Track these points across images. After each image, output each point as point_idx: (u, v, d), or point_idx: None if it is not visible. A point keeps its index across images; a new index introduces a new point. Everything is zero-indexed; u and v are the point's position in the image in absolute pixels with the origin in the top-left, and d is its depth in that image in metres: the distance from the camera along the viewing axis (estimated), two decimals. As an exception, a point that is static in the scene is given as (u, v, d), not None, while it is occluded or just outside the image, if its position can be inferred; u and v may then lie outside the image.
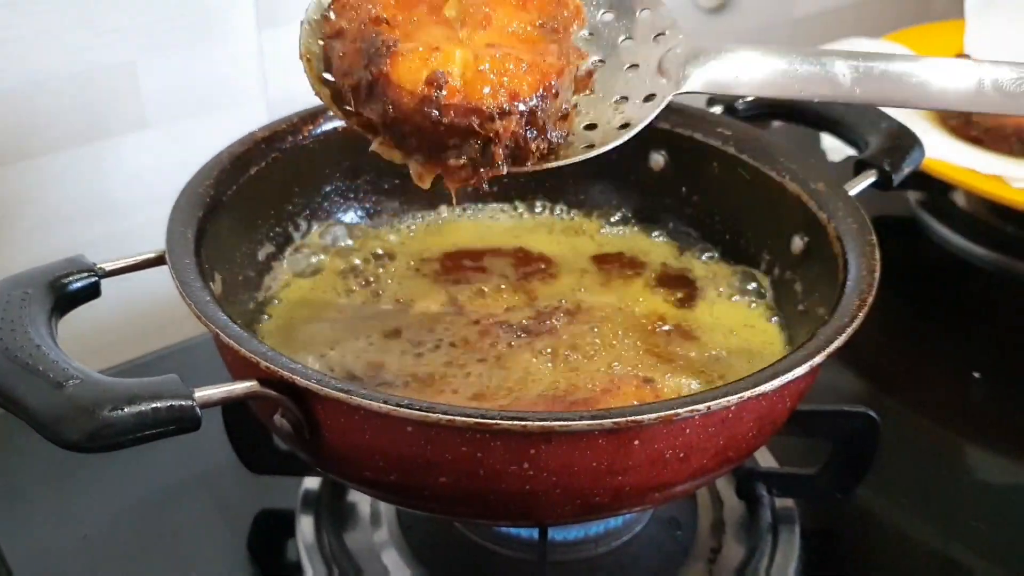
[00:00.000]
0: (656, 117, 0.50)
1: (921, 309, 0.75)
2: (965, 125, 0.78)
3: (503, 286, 0.55)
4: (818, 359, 0.39)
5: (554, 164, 0.42)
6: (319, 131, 0.56)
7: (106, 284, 0.45)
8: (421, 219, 0.61)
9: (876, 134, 0.55)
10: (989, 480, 0.61)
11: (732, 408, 0.38)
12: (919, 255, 0.80)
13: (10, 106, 0.66)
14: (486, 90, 0.39)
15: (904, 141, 0.55)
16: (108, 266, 0.45)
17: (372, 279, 0.56)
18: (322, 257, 0.57)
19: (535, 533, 0.50)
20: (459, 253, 0.57)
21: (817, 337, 0.40)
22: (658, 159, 0.58)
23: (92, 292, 0.44)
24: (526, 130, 0.40)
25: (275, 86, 0.77)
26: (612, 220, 0.61)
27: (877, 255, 0.45)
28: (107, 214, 0.72)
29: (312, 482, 0.56)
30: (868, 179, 0.53)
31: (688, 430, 0.38)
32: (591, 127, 0.43)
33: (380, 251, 0.58)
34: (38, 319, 0.39)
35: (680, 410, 0.36)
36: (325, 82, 0.44)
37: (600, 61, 0.45)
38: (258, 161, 0.53)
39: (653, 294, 0.55)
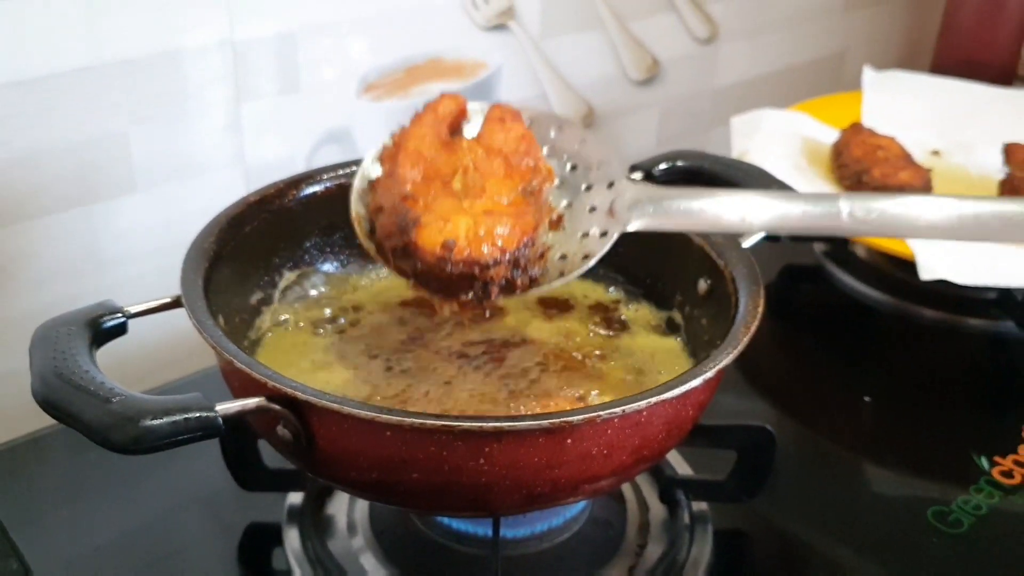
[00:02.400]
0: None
1: (822, 344, 0.85)
2: (857, 185, 0.88)
3: (460, 324, 0.64)
4: (709, 373, 0.49)
5: (535, 291, 0.55)
6: (301, 195, 0.65)
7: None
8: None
9: (768, 194, 0.66)
10: (876, 490, 0.70)
11: (643, 412, 0.47)
12: (823, 298, 0.91)
13: (12, 173, 0.73)
14: (484, 248, 0.53)
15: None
16: (133, 308, 0.54)
17: (345, 320, 0.65)
18: (303, 302, 0.66)
19: (489, 531, 0.59)
20: (422, 300, 0.67)
21: (711, 358, 0.51)
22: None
23: (121, 330, 0.53)
24: (513, 272, 0.54)
25: (251, 153, 0.85)
26: (552, 268, 0.71)
27: (761, 293, 0.55)
28: (98, 269, 0.80)
29: (296, 497, 0.65)
30: (760, 233, 0.63)
31: (609, 431, 0.48)
32: (563, 258, 0.56)
33: (352, 296, 0.67)
34: (82, 350, 0.48)
35: (601, 412, 0.46)
36: (369, 236, 0.58)
37: (568, 205, 0.58)
38: (251, 221, 0.62)
39: (588, 330, 0.65)
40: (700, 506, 0.65)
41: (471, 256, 0.53)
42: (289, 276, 0.66)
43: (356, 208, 0.58)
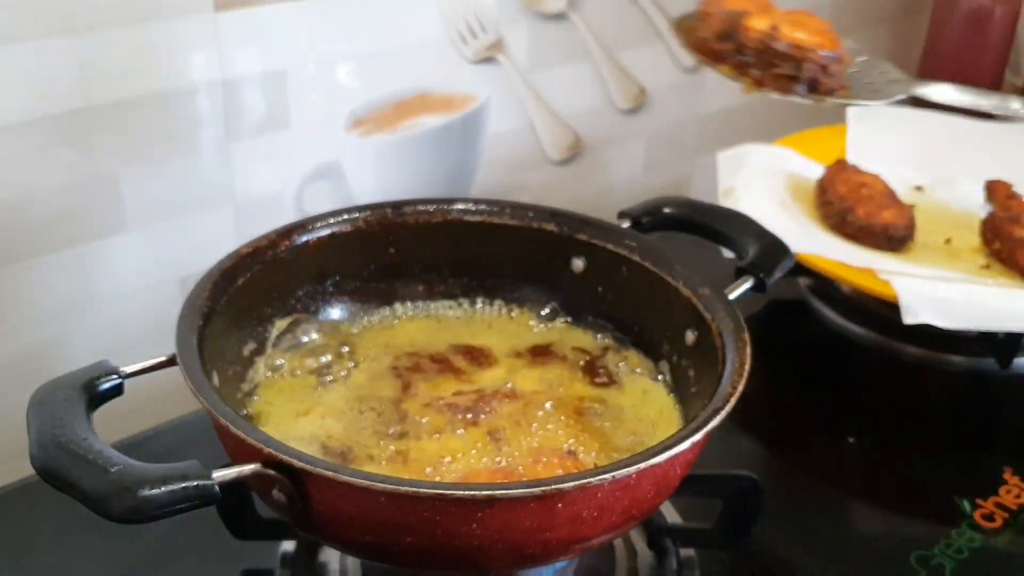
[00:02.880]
0: (575, 230, 0.63)
1: (806, 380, 0.86)
2: (842, 223, 0.89)
3: (451, 376, 0.65)
4: (697, 436, 0.50)
5: (833, 100, 0.70)
6: (294, 244, 0.66)
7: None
8: (379, 314, 0.71)
9: (754, 245, 0.67)
10: (860, 533, 0.71)
11: (632, 477, 0.48)
12: (807, 333, 0.92)
13: (4, 216, 0.73)
14: (801, 34, 0.69)
15: (776, 251, 0.66)
16: (128, 369, 0.54)
17: (338, 369, 0.66)
18: (295, 350, 0.67)
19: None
20: (415, 352, 0.67)
21: (697, 419, 0.52)
22: (578, 263, 0.70)
23: (117, 391, 0.53)
24: (821, 71, 0.68)
25: (241, 190, 0.86)
26: (543, 314, 0.71)
27: (748, 350, 0.56)
28: (90, 308, 0.81)
29: (288, 545, 0.65)
30: (746, 284, 0.64)
31: (599, 494, 0.49)
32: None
33: (344, 344, 0.68)
34: (79, 416, 0.49)
35: (592, 479, 0.47)
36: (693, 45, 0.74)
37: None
38: (243, 273, 0.62)
39: (576, 378, 0.66)
40: (687, 552, 0.66)
41: (792, 36, 0.68)
42: (281, 324, 0.66)
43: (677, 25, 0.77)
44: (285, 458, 0.47)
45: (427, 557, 0.50)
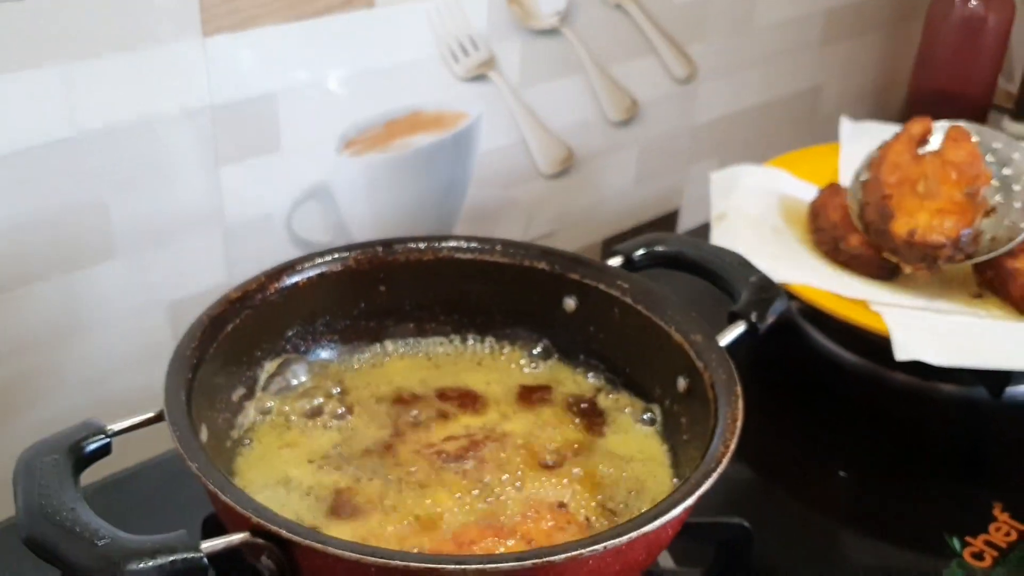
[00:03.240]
0: (567, 269, 0.63)
1: (796, 408, 0.85)
2: (835, 251, 0.89)
3: (441, 420, 0.65)
4: (689, 501, 0.50)
5: (969, 262, 0.83)
6: (283, 286, 0.66)
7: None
8: (370, 352, 0.71)
9: (746, 287, 0.66)
10: (852, 568, 0.70)
11: (623, 544, 0.48)
12: (797, 357, 0.91)
13: (-9, 247, 0.73)
14: (935, 237, 0.80)
15: (768, 294, 0.66)
16: (115, 427, 0.54)
17: (328, 413, 0.65)
18: (284, 393, 0.66)
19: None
20: (407, 393, 0.67)
21: (689, 481, 0.51)
22: (570, 303, 0.69)
23: (105, 451, 0.53)
24: (955, 251, 0.80)
25: (231, 214, 0.85)
26: (534, 352, 0.71)
27: (740, 405, 0.56)
28: (78, 335, 0.80)
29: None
30: (739, 329, 0.64)
31: (591, 561, 0.48)
32: (992, 240, 0.83)
33: (335, 384, 0.68)
34: (67, 482, 0.48)
35: (583, 551, 0.47)
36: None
37: (1000, 200, 0.84)
38: (232, 319, 0.62)
39: (567, 422, 0.66)
40: (679, 594, 0.66)
41: (926, 240, 0.79)
42: (270, 367, 0.66)
43: (850, 200, 0.88)
44: (273, 528, 0.47)
45: (418, 622, 0.50)
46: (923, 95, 1.33)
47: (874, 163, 0.88)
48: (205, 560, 0.45)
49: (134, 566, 0.44)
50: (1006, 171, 0.85)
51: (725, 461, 0.52)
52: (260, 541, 0.47)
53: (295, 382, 0.67)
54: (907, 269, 0.82)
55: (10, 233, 0.73)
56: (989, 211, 0.83)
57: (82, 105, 0.73)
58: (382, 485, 0.59)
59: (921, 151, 0.87)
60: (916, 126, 0.88)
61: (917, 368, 0.78)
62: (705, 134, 1.24)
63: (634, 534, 0.48)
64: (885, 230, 0.82)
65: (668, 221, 1.26)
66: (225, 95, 0.80)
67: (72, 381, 0.82)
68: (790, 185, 0.98)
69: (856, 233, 0.87)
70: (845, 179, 0.99)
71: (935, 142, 0.87)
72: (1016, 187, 0.84)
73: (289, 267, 0.65)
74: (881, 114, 1.44)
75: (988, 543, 0.71)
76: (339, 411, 0.65)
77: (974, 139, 0.86)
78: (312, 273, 0.66)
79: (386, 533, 0.56)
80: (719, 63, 1.20)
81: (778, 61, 1.28)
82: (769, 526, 0.72)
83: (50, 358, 0.79)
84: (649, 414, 0.66)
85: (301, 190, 0.90)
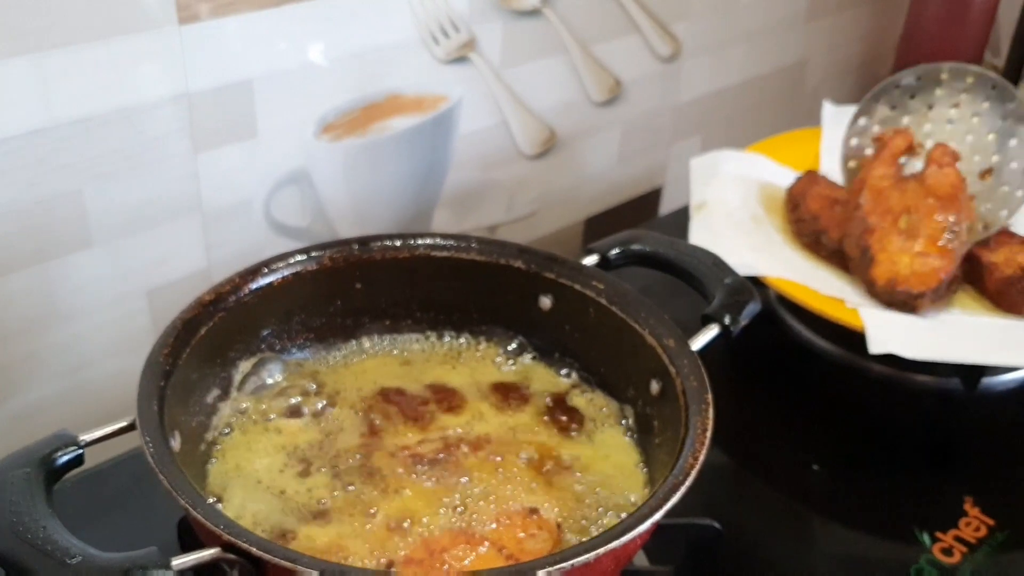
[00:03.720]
0: (542, 268, 0.63)
1: (771, 397, 0.86)
2: (815, 244, 0.89)
3: (417, 422, 0.65)
4: (657, 516, 0.51)
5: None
6: (257, 286, 0.65)
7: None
8: (346, 350, 0.71)
9: (720, 289, 0.66)
10: (822, 566, 0.71)
11: (591, 560, 0.49)
12: (773, 344, 0.92)
13: (-34, 238, 0.72)
14: (913, 287, 0.81)
15: (742, 296, 0.66)
16: (87, 437, 0.54)
17: (304, 412, 0.66)
18: (260, 393, 0.66)
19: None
20: (383, 392, 0.67)
21: (657, 494, 0.52)
22: (545, 301, 0.69)
23: (78, 462, 0.53)
24: (934, 296, 0.81)
25: (209, 200, 0.85)
26: (510, 348, 0.71)
27: (711, 414, 0.57)
28: (55, 325, 0.80)
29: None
30: (712, 332, 0.64)
31: (559, 576, 0.49)
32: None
33: (311, 382, 0.68)
34: (38, 498, 0.48)
35: (551, 568, 0.47)
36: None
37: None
38: (206, 322, 0.62)
39: (542, 423, 0.66)
40: (650, 591, 0.67)
41: (906, 289, 0.79)
42: (245, 366, 0.66)
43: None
44: (244, 545, 0.47)
45: (389, 633, 0.51)
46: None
47: (856, 180, 0.88)
48: (175, 578, 0.46)
49: (104, 586, 0.44)
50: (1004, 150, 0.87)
51: (694, 473, 0.53)
52: (231, 556, 0.48)
53: (270, 381, 0.67)
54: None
55: (-17, 223, 0.73)
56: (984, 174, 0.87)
57: (57, 94, 0.73)
58: (356, 489, 0.60)
59: (905, 170, 0.87)
60: (898, 139, 0.87)
61: (893, 359, 0.79)
62: (688, 112, 1.23)
63: (601, 550, 0.48)
64: (865, 272, 0.82)
65: (651, 200, 1.26)
66: (202, 82, 0.80)
67: (50, 370, 0.82)
68: (771, 171, 0.98)
69: (837, 228, 0.87)
70: (826, 165, 0.99)
71: (918, 164, 0.87)
72: (1014, 165, 0.86)
73: (263, 267, 0.65)
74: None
75: (958, 538, 0.73)
76: (315, 410, 0.66)
77: (973, 120, 0.88)
78: (287, 272, 0.66)
79: (359, 538, 0.56)
80: (703, 40, 1.19)
81: (763, 37, 1.27)
82: (741, 519, 0.73)
83: (28, 348, 0.79)
84: (622, 415, 0.66)
85: (279, 175, 0.89)
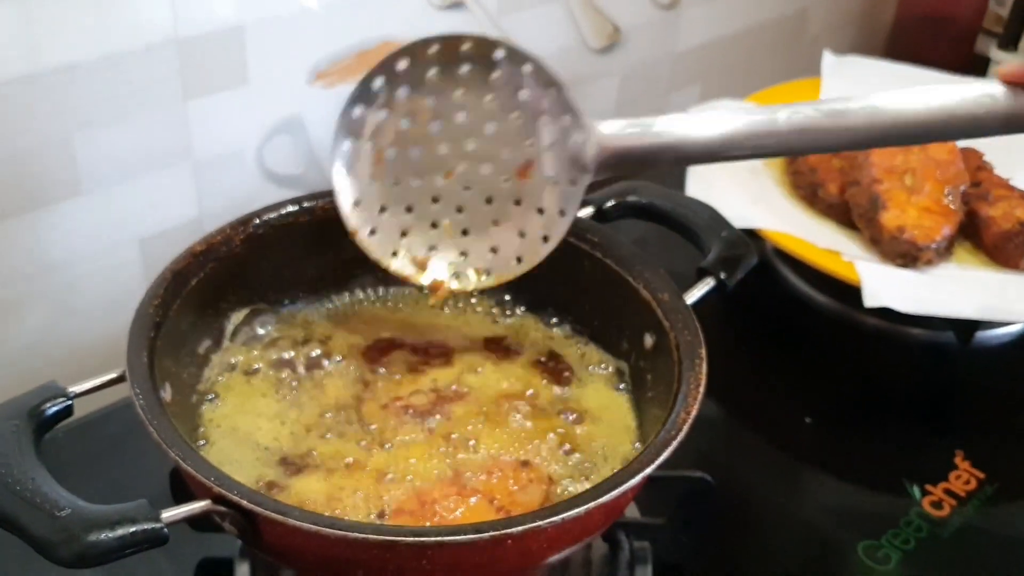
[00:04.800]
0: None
1: (764, 349, 0.86)
2: (812, 197, 0.88)
3: (409, 373, 0.65)
4: (648, 470, 0.50)
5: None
6: (248, 236, 0.64)
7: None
8: (338, 301, 0.70)
9: (717, 242, 0.66)
10: (811, 522, 0.71)
11: (582, 514, 0.49)
12: (768, 295, 0.91)
13: (-49, 186, 0.71)
14: (919, 236, 0.82)
15: (738, 250, 0.65)
16: (77, 388, 0.54)
17: (296, 362, 0.65)
18: (251, 344, 0.66)
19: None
20: (375, 344, 0.67)
21: (649, 450, 0.52)
22: (540, 254, 0.69)
23: (67, 413, 0.53)
24: (935, 253, 0.82)
25: (200, 148, 0.84)
26: (504, 300, 0.71)
27: (704, 368, 0.56)
28: (45, 273, 0.79)
29: (247, 533, 0.66)
30: (707, 286, 0.63)
31: (550, 529, 0.49)
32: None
33: (303, 334, 0.67)
34: (27, 449, 0.48)
35: (541, 523, 0.47)
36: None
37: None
38: (196, 273, 0.61)
39: (533, 375, 0.66)
40: (641, 543, 0.67)
41: (912, 239, 0.80)
42: (237, 317, 0.66)
43: None
44: (234, 498, 0.47)
45: (380, 584, 0.51)
46: (911, 18, 1.31)
47: None
48: (165, 530, 0.46)
49: (94, 537, 0.44)
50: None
51: (686, 428, 0.53)
52: (222, 509, 0.48)
53: (262, 332, 0.67)
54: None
55: (-28, 174, 0.72)
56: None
57: (43, 42, 0.71)
58: (348, 440, 0.60)
59: None
60: None
61: (888, 312, 0.79)
62: (687, 61, 1.21)
63: (592, 504, 0.48)
64: (873, 219, 0.82)
65: (648, 150, 1.24)
66: (191, 28, 0.78)
67: (40, 320, 0.82)
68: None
69: (835, 181, 0.86)
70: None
71: None
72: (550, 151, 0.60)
73: (255, 217, 0.64)
74: (868, 39, 1.41)
75: (948, 491, 0.73)
76: (307, 360, 0.65)
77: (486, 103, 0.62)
78: (278, 223, 0.65)
79: (350, 490, 0.56)
80: (705, -13, 1.17)
81: (764, -16, 1.25)
82: (733, 471, 0.73)
83: (17, 297, 0.79)
84: (615, 369, 0.66)
85: (272, 123, 0.88)
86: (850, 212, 0.84)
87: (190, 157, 0.84)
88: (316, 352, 0.66)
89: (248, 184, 0.89)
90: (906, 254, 0.81)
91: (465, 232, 0.61)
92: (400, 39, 0.92)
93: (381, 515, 0.55)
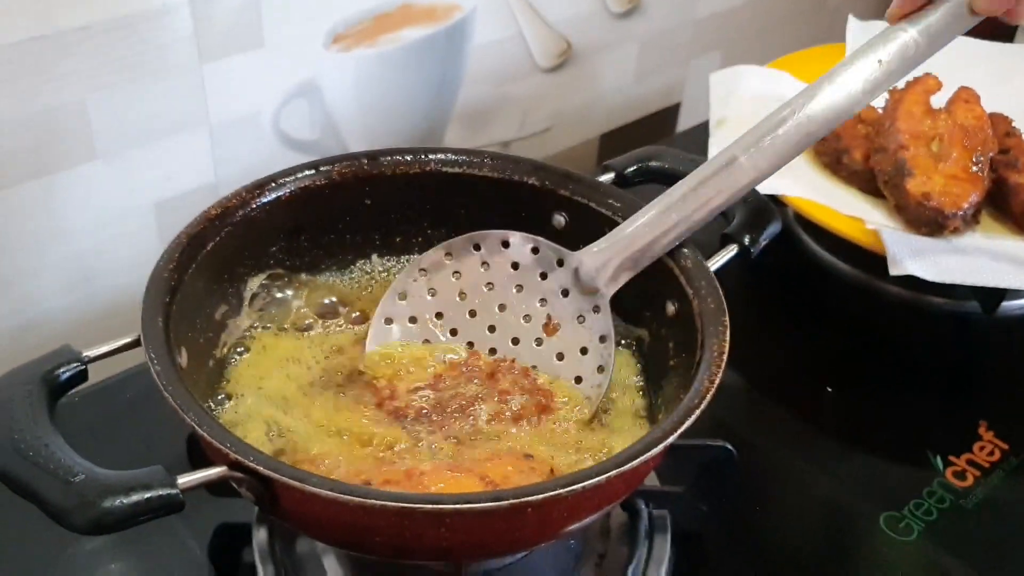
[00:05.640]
0: (557, 185, 0.61)
1: (787, 314, 0.85)
2: (836, 164, 0.86)
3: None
4: (672, 438, 0.50)
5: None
6: (264, 200, 0.63)
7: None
8: (356, 267, 0.69)
9: (740, 208, 0.64)
10: (832, 495, 0.70)
11: (603, 482, 0.48)
12: (791, 264, 0.90)
13: (-34, 151, 0.71)
14: (946, 203, 0.79)
15: (763, 217, 0.64)
16: (92, 353, 0.53)
17: (312, 331, 0.65)
18: (268, 310, 0.65)
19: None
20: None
21: (672, 417, 0.51)
22: (560, 219, 0.67)
23: (81, 378, 0.52)
24: (962, 221, 0.78)
25: (216, 113, 0.83)
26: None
27: (727, 336, 0.55)
28: (60, 239, 0.79)
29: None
30: (730, 252, 0.62)
31: (570, 498, 0.48)
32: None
33: (320, 299, 0.67)
34: (41, 415, 0.48)
35: (562, 490, 0.46)
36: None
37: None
38: (212, 237, 0.60)
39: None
40: (660, 512, 0.66)
41: (938, 206, 0.77)
42: (254, 283, 0.65)
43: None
44: (250, 464, 0.46)
45: (398, 552, 0.50)
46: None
47: (894, 99, 0.85)
48: (181, 496, 0.45)
49: (109, 503, 0.44)
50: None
51: (709, 396, 0.52)
52: (238, 475, 0.47)
53: (279, 296, 0.66)
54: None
55: (-14, 135, 0.71)
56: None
57: (57, 3, 0.70)
58: (359, 414, 0.59)
59: (934, 106, 0.86)
60: (931, 81, 0.87)
61: (911, 280, 0.77)
62: (709, 26, 1.20)
63: (612, 473, 0.47)
64: (899, 185, 0.79)
65: (668, 116, 1.23)
66: (207, -11, 0.78)
67: (56, 285, 0.81)
68: (792, 89, 0.94)
69: (860, 148, 0.85)
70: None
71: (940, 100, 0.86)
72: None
73: (271, 181, 0.63)
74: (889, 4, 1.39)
75: (971, 462, 0.72)
76: (324, 326, 0.65)
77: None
78: (295, 187, 0.64)
79: (350, 457, 0.56)
80: (726, -49, 1.16)
81: (786, -52, 1.23)
82: (754, 441, 0.72)
83: (33, 262, 0.79)
84: (636, 336, 0.65)
85: (288, 87, 0.87)
86: (874, 179, 0.83)
87: (206, 121, 0.83)
88: (334, 316, 0.65)
89: (264, 149, 0.88)
90: (932, 222, 0.78)
91: None
92: (419, 2, 0.92)
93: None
